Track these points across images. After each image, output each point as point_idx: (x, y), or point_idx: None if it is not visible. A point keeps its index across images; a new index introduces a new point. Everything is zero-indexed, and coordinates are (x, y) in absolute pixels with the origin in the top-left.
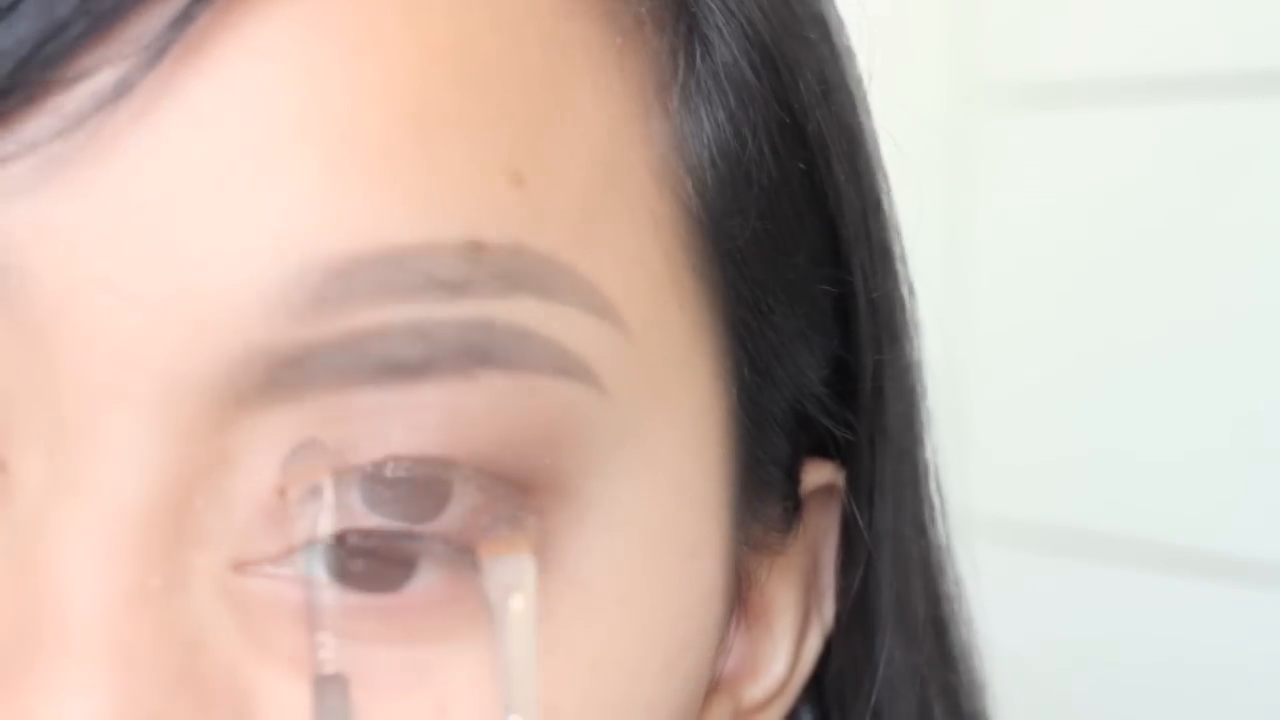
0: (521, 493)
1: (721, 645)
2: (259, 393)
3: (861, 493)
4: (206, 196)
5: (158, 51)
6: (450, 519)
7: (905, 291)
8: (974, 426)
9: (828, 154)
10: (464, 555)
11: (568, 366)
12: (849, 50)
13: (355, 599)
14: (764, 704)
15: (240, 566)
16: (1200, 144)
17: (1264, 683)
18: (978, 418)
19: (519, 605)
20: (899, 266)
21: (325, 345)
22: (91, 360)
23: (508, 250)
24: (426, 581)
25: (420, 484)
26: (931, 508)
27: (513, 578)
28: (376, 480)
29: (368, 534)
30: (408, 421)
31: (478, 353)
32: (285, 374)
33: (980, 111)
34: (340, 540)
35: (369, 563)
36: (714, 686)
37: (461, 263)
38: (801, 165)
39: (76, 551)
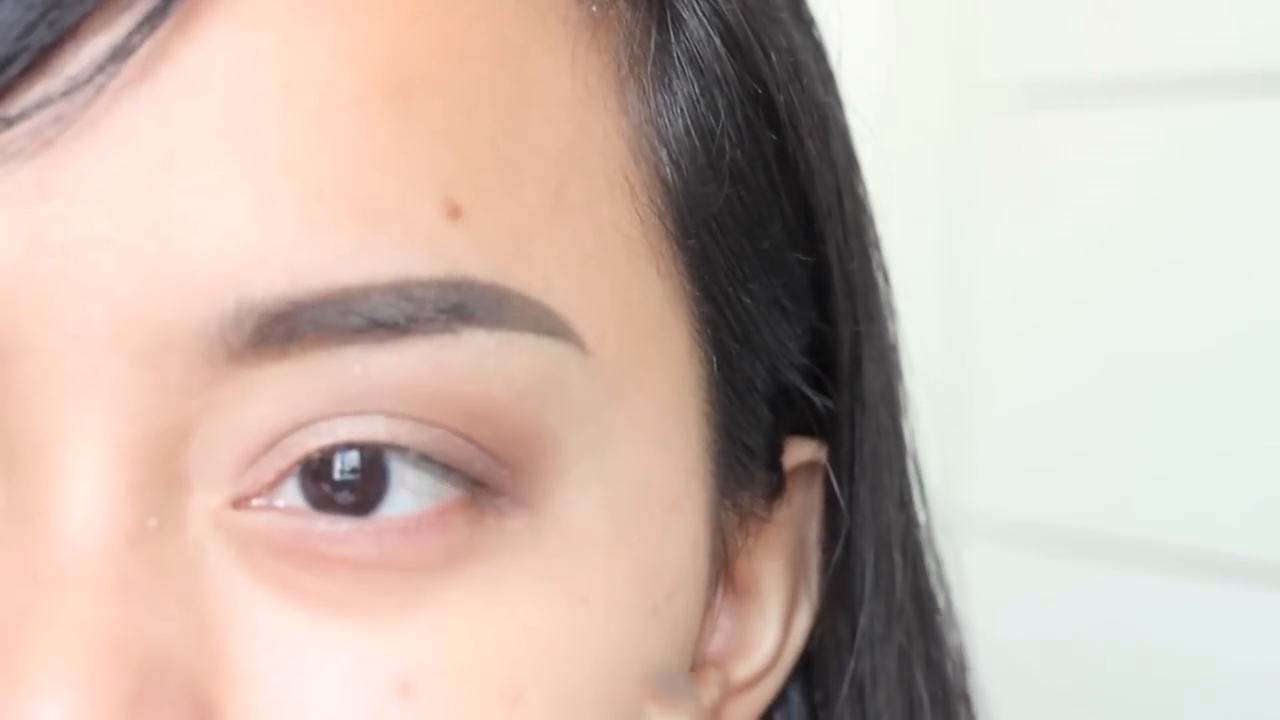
0: (502, 448)
1: (709, 620)
2: (250, 348)
3: (842, 468)
4: (197, 159)
5: (158, 15)
6: (428, 445)
7: (881, 274)
8: (973, 427)
9: (799, 129)
10: (448, 473)
11: (552, 327)
12: (819, 34)
13: (347, 525)
14: (754, 681)
15: (237, 502)
16: (1202, 144)
17: (1264, 683)
18: (977, 418)
19: None
20: (873, 249)
21: (311, 302)
22: (92, 314)
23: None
24: (416, 507)
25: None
26: (911, 484)
27: None
28: (360, 420)
29: (355, 445)
30: (395, 381)
31: (461, 311)
32: (274, 329)
33: (980, 111)
34: (326, 466)
35: (354, 495)
36: (703, 664)
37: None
38: (774, 138)
39: (76, 496)
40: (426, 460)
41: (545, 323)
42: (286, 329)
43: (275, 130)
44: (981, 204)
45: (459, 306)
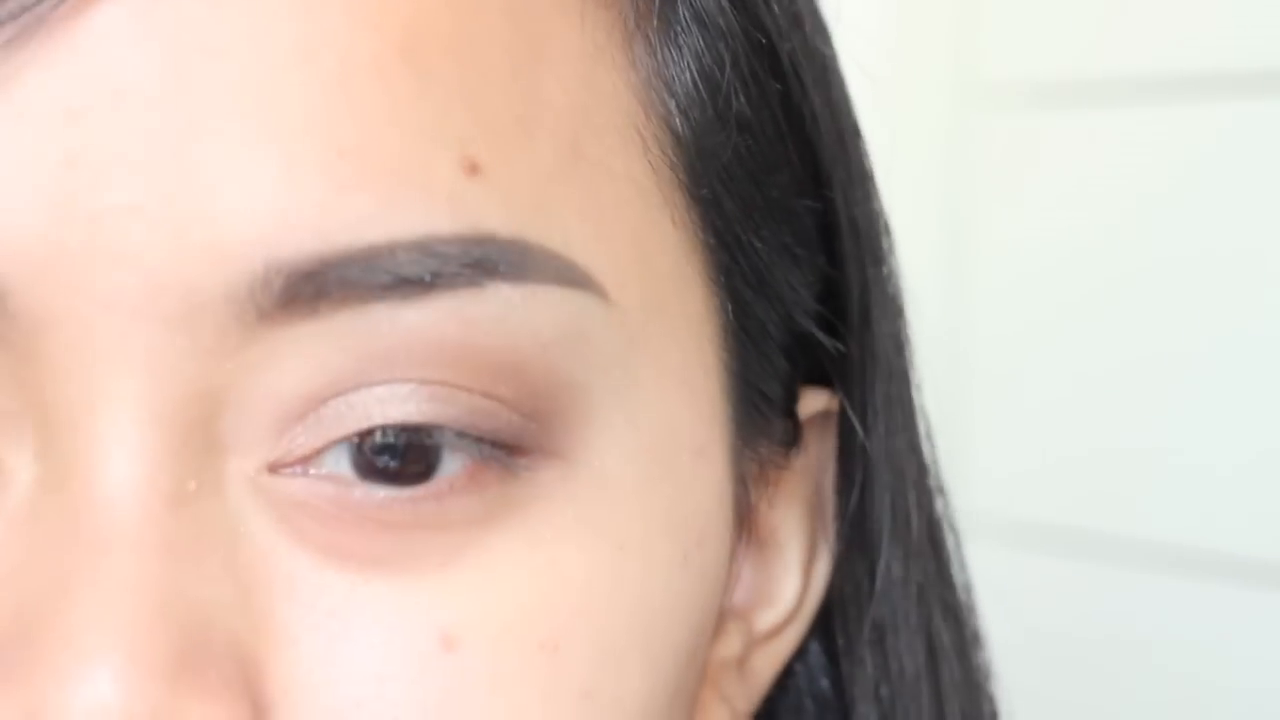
0: (530, 400)
1: (732, 571)
2: (279, 307)
3: (855, 411)
4: (221, 123)
5: None
6: (461, 414)
7: (882, 225)
8: (973, 426)
9: (803, 78)
10: (481, 444)
11: (574, 278)
12: None
13: (385, 493)
14: (777, 630)
15: (274, 468)
16: (1203, 144)
17: (1268, 684)
18: (977, 416)
19: None
20: (875, 196)
21: (338, 260)
22: (123, 281)
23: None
24: (449, 471)
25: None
26: (919, 426)
27: None
28: (393, 393)
29: (391, 430)
30: (422, 336)
31: (485, 265)
32: (303, 288)
33: (981, 111)
34: (366, 436)
35: (393, 458)
36: (726, 614)
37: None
38: (779, 88)
39: (114, 460)
40: (460, 435)
41: (567, 274)
42: (315, 287)
43: (296, 93)
44: (982, 204)
45: (482, 261)
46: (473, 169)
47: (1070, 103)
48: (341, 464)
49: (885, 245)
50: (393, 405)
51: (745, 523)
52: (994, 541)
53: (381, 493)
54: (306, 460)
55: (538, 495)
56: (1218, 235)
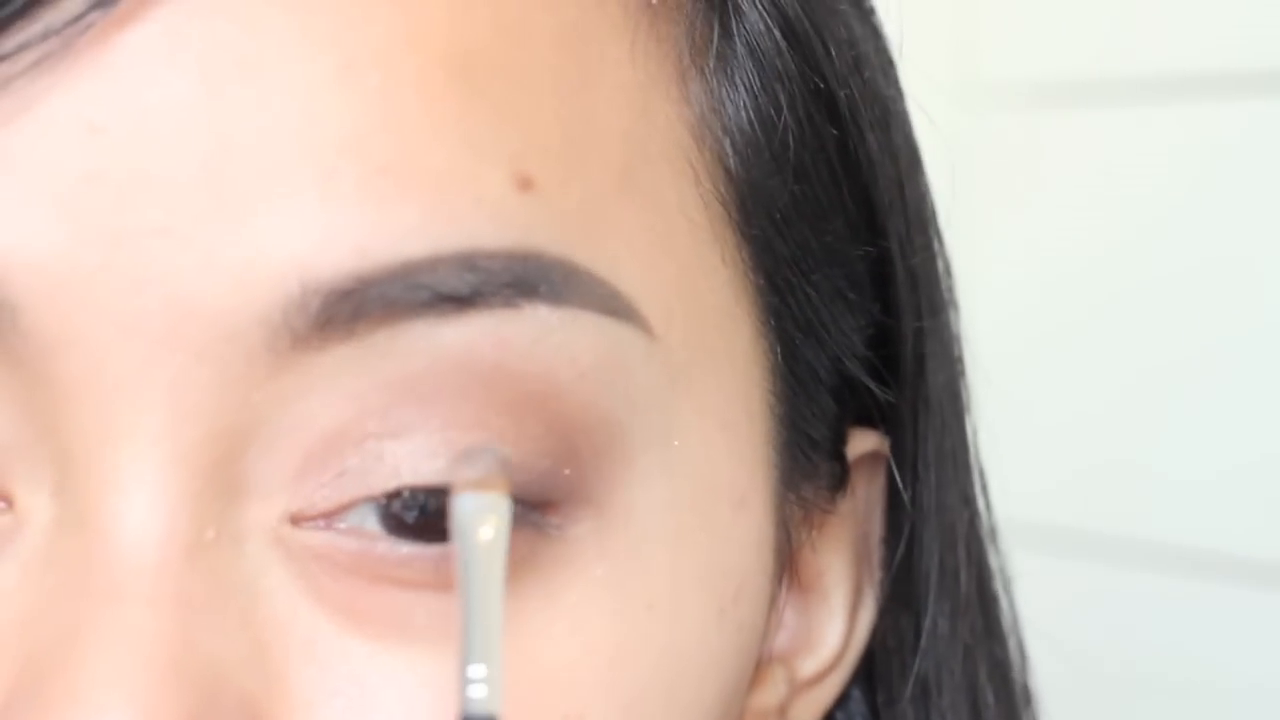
0: (565, 437)
1: (774, 616)
2: (315, 330)
3: (905, 462)
4: (254, 143)
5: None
6: (488, 467)
7: (943, 266)
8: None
9: (860, 122)
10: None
11: (617, 307)
12: (879, 22)
13: (409, 549)
14: (820, 677)
15: (296, 520)
16: (1205, 144)
17: (1265, 683)
18: (976, 419)
19: (487, 535)
20: (936, 241)
21: (378, 277)
22: (146, 305)
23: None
24: None
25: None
26: (975, 480)
27: (484, 509)
28: (423, 446)
29: (419, 490)
30: (456, 356)
31: (525, 284)
32: (340, 308)
33: (981, 111)
34: (394, 497)
35: (421, 515)
36: (768, 660)
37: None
38: (835, 133)
39: (133, 506)
40: None
41: (610, 302)
42: (353, 307)
43: (335, 111)
44: (982, 204)
45: (523, 280)
46: (525, 184)
47: (1071, 103)
48: (368, 520)
49: (944, 294)
50: (423, 462)
51: (788, 567)
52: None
53: (405, 549)
54: (330, 516)
55: (566, 556)
56: (1220, 235)
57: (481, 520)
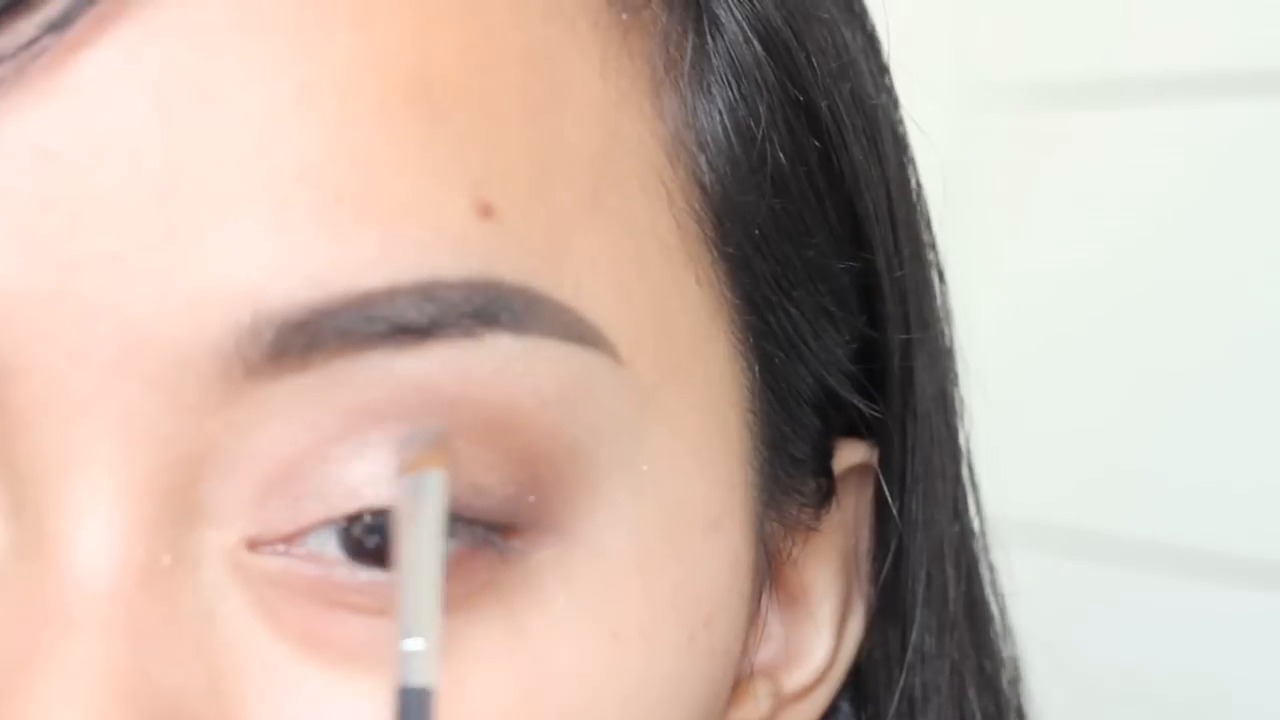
0: (528, 465)
1: (756, 631)
2: (268, 360)
3: (893, 475)
4: (207, 171)
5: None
6: (456, 492)
7: (935, 276)
8: (972, 428)
9: (845, 133)
10: (472, 527)
11: (582, 333)
12: (872, 26)
13: (367, 574)
14: (807, 690)
15: (253, 545)
16: (1205, 144)
17: (1265, 683)
18: (976, 420)
19: (422, 508)
20: (927, 251)
21: (333, 308)
22: (98, 332)
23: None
24: None
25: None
26: (966, 493)
27: (420, 485)
28: (382, 470)
29: (380, 512)
30: (415, 387)
31: (486, 314)
32: (294, 339)
33: (981, 111)
34: (354, 520)
35: (381, 540)
36: (751, 675)
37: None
38: (817, 145)
39: (86, 532)
40: (453, 519)
41: (574, 329)
42: (307, 338)
43: (291, 137)
44: (982, 205)
45: (483, 310)
46: (487, 212)
47: (1071, 103)
48: (327, 545)
49: (936, 304)
50: (384, 484)
51: (773, 581)
52: (994, 542)
53: (363, 575)
54: (290, 539)
55: (528, 582)
56: (1220, 235)
57: (418, 493)
